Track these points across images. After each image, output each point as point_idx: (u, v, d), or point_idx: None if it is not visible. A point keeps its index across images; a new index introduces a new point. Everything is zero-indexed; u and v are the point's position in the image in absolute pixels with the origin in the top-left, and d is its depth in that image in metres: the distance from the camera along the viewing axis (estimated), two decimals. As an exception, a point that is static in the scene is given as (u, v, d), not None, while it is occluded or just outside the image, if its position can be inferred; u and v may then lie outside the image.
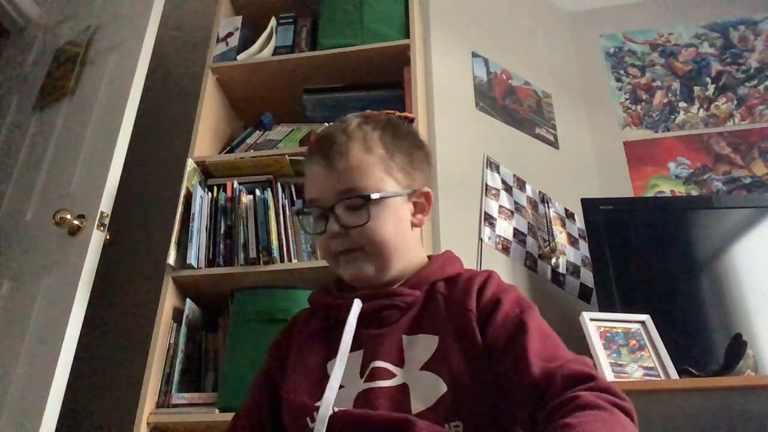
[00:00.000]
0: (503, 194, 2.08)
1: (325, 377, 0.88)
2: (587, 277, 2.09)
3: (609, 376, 1.51)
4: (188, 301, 1.66)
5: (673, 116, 2.54)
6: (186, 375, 1.58)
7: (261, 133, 2.03)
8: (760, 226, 1.95)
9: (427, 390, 0.83)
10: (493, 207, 2.02)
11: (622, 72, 2.67)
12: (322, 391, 0.85)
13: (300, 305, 1.09)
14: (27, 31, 2.63)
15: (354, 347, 0.90)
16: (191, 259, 1.62)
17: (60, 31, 2.39)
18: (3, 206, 2.09)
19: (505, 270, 1.92)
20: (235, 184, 1.74)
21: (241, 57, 2.03)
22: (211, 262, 1.65)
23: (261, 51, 2.06)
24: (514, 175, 2.16)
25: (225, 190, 1.75)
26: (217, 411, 1.45)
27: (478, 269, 1.81)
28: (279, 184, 1.74)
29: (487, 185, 2.05)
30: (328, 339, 0.94)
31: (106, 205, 1.68)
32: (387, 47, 1.92)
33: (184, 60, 2.61)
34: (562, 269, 2.07)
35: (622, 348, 1.60)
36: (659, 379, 1.54)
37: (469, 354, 0.85)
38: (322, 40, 2.02)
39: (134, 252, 2.31)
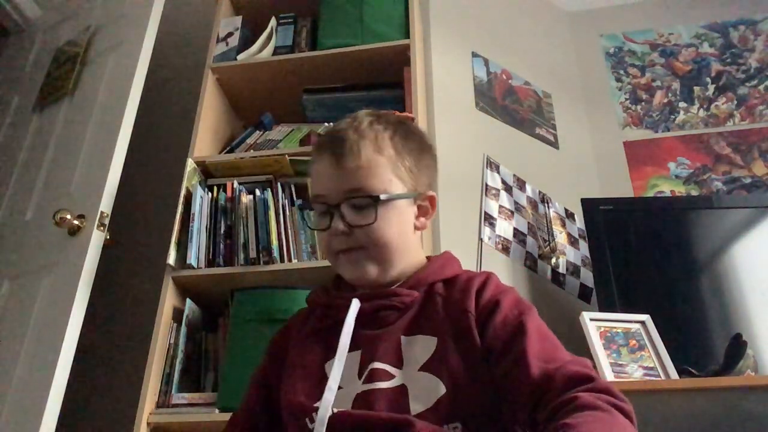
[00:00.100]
0: (503, 194, 2.08)
1: (323, 378, 0.88)
2: (587, 277, 2.09)
3: (609, 376, 1.51)
4: (188, 301, 1.66)
5: (673, 116, 2.54)
6: (186, 375, 1.58)
7: (261, 133, 2.03)
8: (760, 226, 1.95)
9: (426, 391, 0.83)
10: (493, 207, 2.02)
11: (622, 72, 2.67)
12: (321, 392, 0.85)
13: (300, 305, 1.09)
14: (27, 31, 2.63)
15: (352, 347, 0.90)
16: (191, 259, 1.62)
17: (60, 31, 2.39)
18: (3, 206, 2.09)
19: (505, 270, 1.92)
20: (235, 184, 1.74)
21: (241, 57, 2.03)
22: (211, 262, 1.65)
23: (261, 51, 2.06)
24: (514, 175, 2.16)
25: (225, 190, 1.75)
26: (217, 411, 1.45)
27: (478, 269, 1.81)
28: (279, 184, 1.74)
29: (487, 185, 2.05)
30: (326, 339, 0.94)
31: (106, 205, 1.68)
32: (387, 47, 1.92)
33: (184, 60, 2.61)
34: (562, 269, 2.07)
35: (622, 348, 1.60)
36: (659, 379, 1.54)
37: (467, 355, 0.85)
38: (322, 40, 2.02)
39: (134, 252, 2.32)
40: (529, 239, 2.06)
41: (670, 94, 2.59)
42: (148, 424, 1.46)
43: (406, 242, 0.96)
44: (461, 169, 2.02)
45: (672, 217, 1.98)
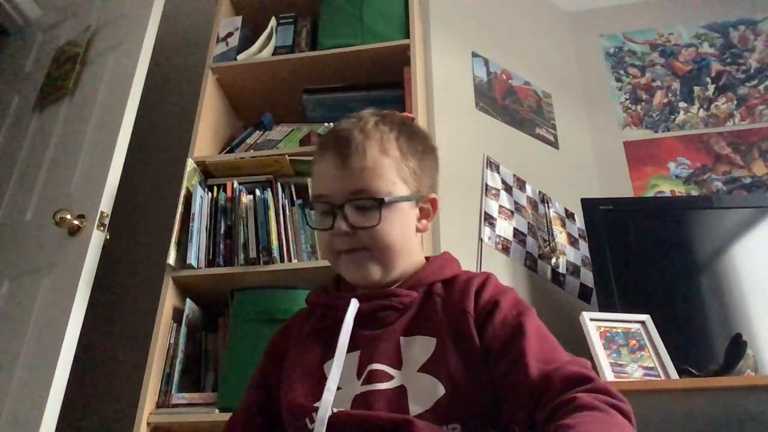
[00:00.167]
0: (503, 194, 2.08)
1: (322, 378, 0.88)
2: (587, 277, 2.09)
3: (609, 376, 1.51)
4: (188, 301, 1.66)
5: (673, 116, 2.54)
6: (186, 375, 1.58)
7: (261, 133, 2.03)
8: (760, 226, 1.95)
9: (425, 392, 0.83)
10: (493, 207, 2.02)
11: (622, 72, 2.67)
12: (321, 392, 0.85)
13: (300, 305, 1.09)
14: (27, 31, 2.63)
15: (350, 348, 0.89)
16: (191, 259, 1.62)
17: (60, 31, 2.39)
18: (3, 206, 2.09)
19: (505, 270, 1.92)
20: (235, 184, 1.74)
21: (241, 57, 2.03)
22: (211, 262, 1.65)
23: (261, 51, 2.06)
24: (514, 175, 2.16)
25: (225, 190, 1.75)
26: (217, 411, 1.45)
27: (478, 269, 1.81)
28: (279, 184, 1.74)
29: (487, 185, 2.05)
30: (326, 339, 0.94)
31: (106, 205, 1.68)
32: (387, 47, 1.92)
33: (184, 60, 2.61)
34: (562, 269, 2.07)
35: (622, 348, 1.60)
36: (659, 379, 1.54)
37: (466, 356, 0.85)
38: (322, 40, 2.03)
39: (134, 252, 2.32)
40: (529, 239, 2.06)
41: (670, 94, 2.59)
42: (148, 424, 1.46)
43: (408, 244, 0.96)
44: (461, 169, 2.02)
45: (672, 217, 1.98)
